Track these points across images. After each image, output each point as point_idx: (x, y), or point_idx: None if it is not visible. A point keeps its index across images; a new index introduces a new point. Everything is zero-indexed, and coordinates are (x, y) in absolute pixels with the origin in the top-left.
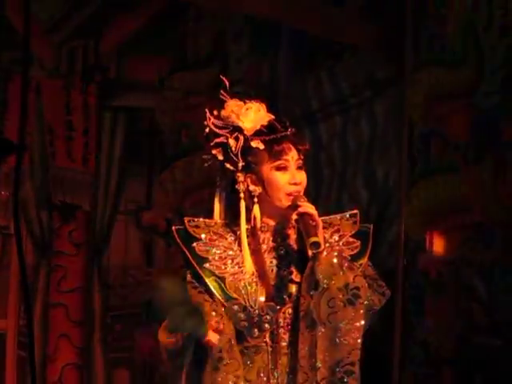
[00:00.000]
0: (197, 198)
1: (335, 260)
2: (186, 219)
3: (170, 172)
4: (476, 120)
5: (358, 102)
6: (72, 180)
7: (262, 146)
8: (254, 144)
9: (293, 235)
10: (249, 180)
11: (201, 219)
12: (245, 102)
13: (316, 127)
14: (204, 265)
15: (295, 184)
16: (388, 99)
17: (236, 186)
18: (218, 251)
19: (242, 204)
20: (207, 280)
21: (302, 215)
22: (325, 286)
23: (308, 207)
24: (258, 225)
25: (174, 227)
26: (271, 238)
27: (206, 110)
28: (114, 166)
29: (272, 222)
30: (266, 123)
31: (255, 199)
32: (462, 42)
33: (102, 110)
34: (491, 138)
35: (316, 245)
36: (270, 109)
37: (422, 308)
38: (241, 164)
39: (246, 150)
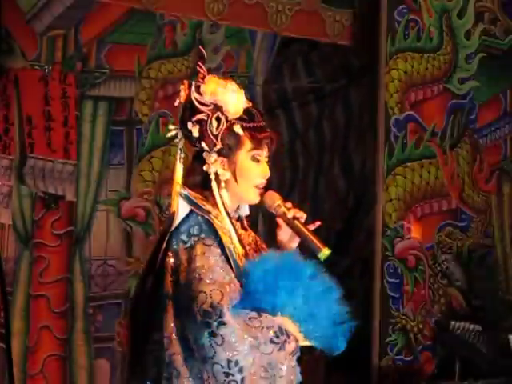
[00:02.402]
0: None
1: None
2: (181, 185)
3: (148, 162)
4: (452, 106)
5: (334, 89)
6: (53, 170)
7: (242, 132)
8: (236, 129)
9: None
10: (219, 163)
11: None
12: (225, 81)
13: (292, 115)
14: (227, 240)
15: (265, 177)
16: (363, 87)
17: (204, 168)
18: (224, 227)
19: (215, 185)
20: (233, 257)
21: (294, 220)
22: None
23: (298, 211)
24: (228, 209)
25: (178, 190)
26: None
27: (187, 82)
28: (95, 155)
29: (231, 209)
30: (245, 109)
31: (222, 184)
32: (437, 28)
33: (82, 100)
34: (467, 123)
35: (329, 256)
36: (247, 97)
37: (400, 295)
38: (219, 146)
39: (225, 133)
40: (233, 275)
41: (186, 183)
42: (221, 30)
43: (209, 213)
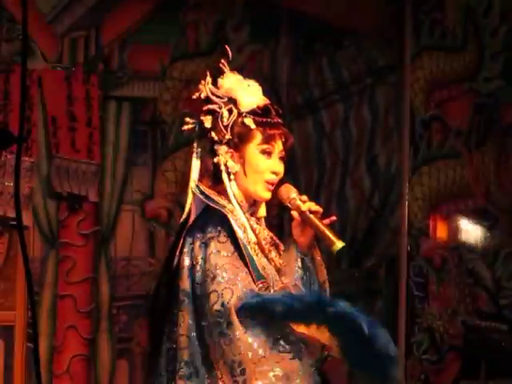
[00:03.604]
0: None
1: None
2: (195, 181)
3: (171, 162)
4: (477, 105)
5: (360, 89)
6: (77, 171)
7: (253, 126)
8: (246, 121)
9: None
10: (229, 155)
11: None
12: (243, 77)
13: (318, 115)
14: (242, 235)
15: (275, 173)
16: (389, 86)
17: (215, 159)
18: (239, 221)
19: (226, 178)
20: (248, 253)
21: (309, 214)
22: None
23: (314, 205)
24: (239, 201)
25: (192, 187)
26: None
27: (207, 74)
28: (120, 156)
29: (244, 204)
30: (261, 105)
31: (231, 176)
32: (462, 27)
33: (105, 101)
34: (492, 123)
35: (343, 249)
36: (271, 97)
37: (426, 294)
38: (227, 137)
39: (236, 125)
40: (246, 271)
41: (200, 178)
42: (245, 29)
43: (224, 207)
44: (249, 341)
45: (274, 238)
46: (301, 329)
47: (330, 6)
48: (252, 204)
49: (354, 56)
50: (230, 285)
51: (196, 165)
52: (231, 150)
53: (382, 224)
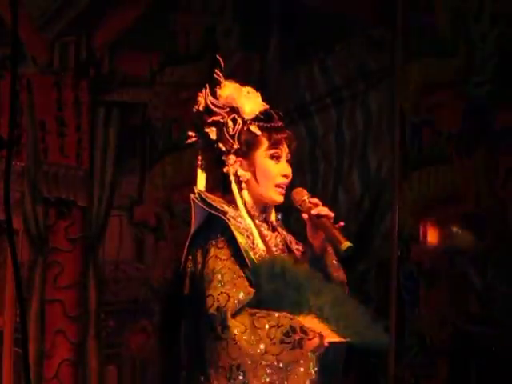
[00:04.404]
0: (186, 193)
1: (334, 261)
2: (197, 188)
3: (161, 167)
4: (467, 109)
5: (352, 93)
6: (66, 176)
7: (259, 132)
8: (252, 128)
9: (278, 227)
10: (238, 164)
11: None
12: (240, 85)
13: (311, 120)
14: (244, 240)
15: (285, 176)
16: (381, 90)
17: (224, 170)
18: (245, 227)
19: (235, 187)
20: (248, 258)
21: (318, 216)
22: None
23: (325, 209)
24: (249, 210)
25: (193, 196)
26: (262, 225)
27: (204, 89)
28: (108, 161)
29: (255, 211)
30: (263, 111)
31: (243, 185)
32: (452, 31)
33: (94, 106)
34: (483, 127)
35: (350, 249)
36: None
37: (416, 298)
38: (236, 146)
39: (242, 133)
40: (243, 276)
41: (207, 188)
42: (234, 34)
43: (225, 213)
44: (246, 341)
45: (293, 242)
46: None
47: (321, 11)
48: (263, 211)
49: (346, 61)
50: (226, 289)
51: (201, 177)
52: (240, 159)
53: (372, 228)
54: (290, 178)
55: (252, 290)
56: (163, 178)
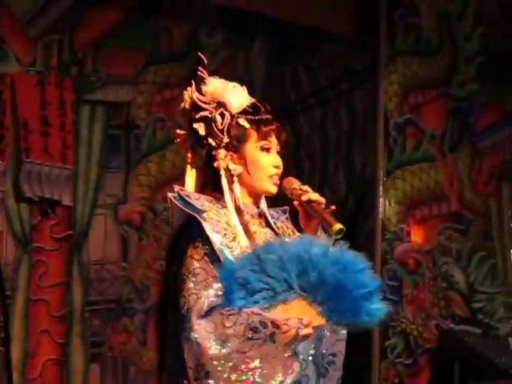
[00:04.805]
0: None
1: None
2: (176, 187)
3: (145, 166)
4: (451, 109)
5: (337, 93)
6: (50, 175)
7: (248, 125)
8: (241, 122)
9: (280, 222)
10: (229, 158)
11: (188, 189)
12: (225, 80)
13: (296, 120)
14: (219, 240)
15: (277, 167)
16: (366, 90)
17: (215, 164)
18: (224, 226)
19: (225, 181)
20: (223, 257)
21: (309, 202)
22: None
23: (315, 194)
24: (240, 204)
25: (170, 194)
26: (252, 220)
27: (190, 86)
28: (93, 159)
29: (249, 204)
30: (250, 104)
31: (235, 178)
32: (437, 31)
33: (78, 105)
34: (467, 126)
35: (342, 231)
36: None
37: (400, 298)
38: (225, 140)
39: (231, 127)
40: (216, 275)
41: (203, 187)
42: (218, 33)
43: (203, 212)
44: (212, 341)
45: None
46: (271, 313)
47: (305, 11)
48: (257, 205)
49: (330, 60)
50: (197, 289)
51: (191, 175)
52: (230, 153)
53: (356, 228)
54: (281, 169)
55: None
56: (148, 177)
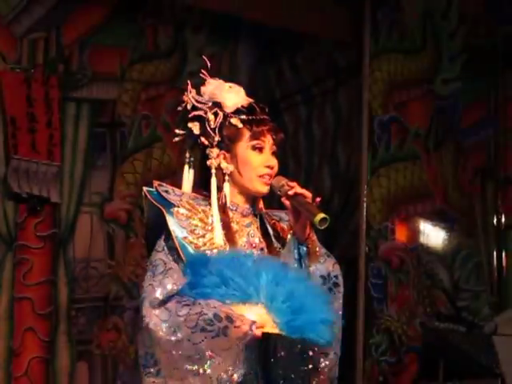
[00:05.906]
0: None
1: (317, 248)
2: (156, 182)
3: (130, 164)
4: (435, 107)
5: (321, 90)
6: (37, 172)
7: (240, 125)
8: (233, 121)
9: (277, 222)
10: (221, 157)
11: (169, 186)
12: (224, 81)
13: (280, 117)
14: (182, 235)
15: (269, 167)
16: (350, 88)
17: (208, 163)
18: (194, 222)
19: (214, 180)
20: (183, 252)
21: (295, 196)
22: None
23: (301, 188)
24: (228, 203)
25: (144, 188)
26: (241, 219)
27: (188, 83)
28: (78, 157)
29: (241, 203)
30: (245, 104)
31: (226, 177)
32: (421, 29)
33: (64, 102)
34: (451, 124)
35: (325, 220)
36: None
37: (384, 296)
38: (217, 139)
39: (224, 126)
40: (175, 267)
41: (198, 186)
42: (203, 31)
43: (170, 206)
44: (163, 330)
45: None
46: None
47: (289, 8)
48: (251, 203)
49: (315, 58)
50: (154, 280)
51: (188, 174)
52: (223, 152)
53: (340, 225)
54: (274, 169)
55: (183, 281)
56: (134, 175)
